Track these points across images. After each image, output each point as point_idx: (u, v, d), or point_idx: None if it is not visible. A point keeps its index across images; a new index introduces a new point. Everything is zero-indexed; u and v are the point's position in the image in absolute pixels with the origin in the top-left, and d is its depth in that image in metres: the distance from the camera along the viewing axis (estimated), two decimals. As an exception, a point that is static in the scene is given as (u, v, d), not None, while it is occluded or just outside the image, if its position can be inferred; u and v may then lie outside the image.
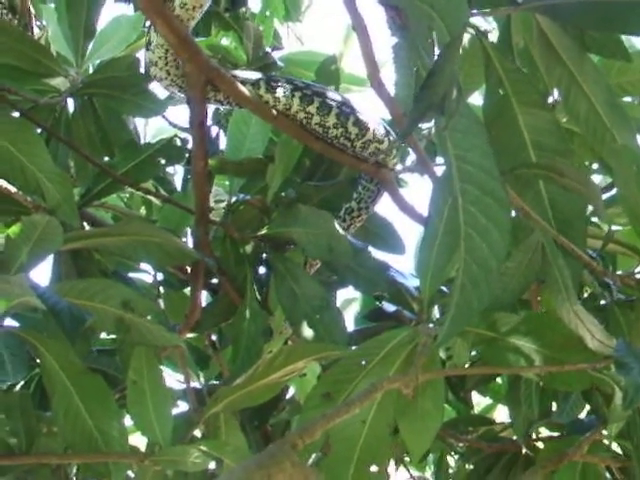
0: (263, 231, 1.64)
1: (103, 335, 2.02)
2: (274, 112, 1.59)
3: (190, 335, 1.93)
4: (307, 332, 1.56)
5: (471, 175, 1.00)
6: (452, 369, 1.26)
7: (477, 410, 2.56)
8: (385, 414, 1.18)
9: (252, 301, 1.61)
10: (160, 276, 2.01)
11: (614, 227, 1.82)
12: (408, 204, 1.60)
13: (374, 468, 1.21)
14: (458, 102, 0.92)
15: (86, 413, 1.41)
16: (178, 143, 1.78)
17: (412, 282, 1.77)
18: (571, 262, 1.17)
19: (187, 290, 1.92)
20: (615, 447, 1.55)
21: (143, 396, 1.46)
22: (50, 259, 1.64)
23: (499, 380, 2.31)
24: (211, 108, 2.27)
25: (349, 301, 2.36)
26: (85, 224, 1.77)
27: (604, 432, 1.47)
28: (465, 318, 0.98)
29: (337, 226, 1.54)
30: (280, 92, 1.59)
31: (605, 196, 1.90)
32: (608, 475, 1.63)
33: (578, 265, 1.20)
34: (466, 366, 2.06)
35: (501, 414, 2.56)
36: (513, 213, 1.32)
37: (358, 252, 1.56)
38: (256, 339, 1.60)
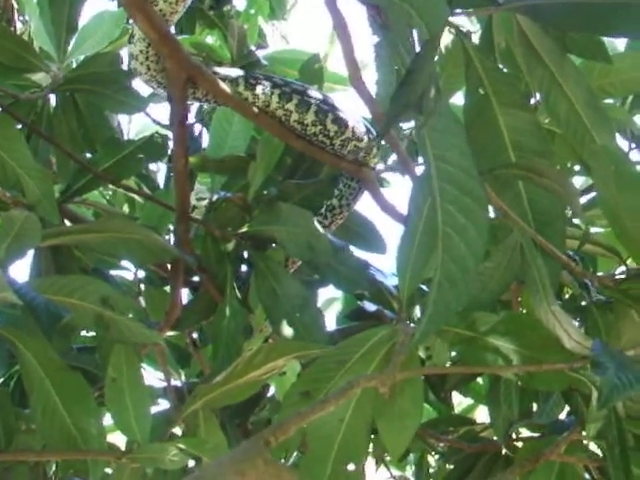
0: (244, 229, 1.64)
1: (83, 333, 2.02)
2: (255, 110, 1.60)
3: (170, 333, 1.92)
4: (287, 331, 1.55)
5: (450, 174, 1.00)
6: (430, 367, 1.26)
7: (458, 410, 2.57)
8: (363, 413, 1.18)
9: (232, 299, 1.61)
10: (141, 273, 2.01)
11: (595, 229, 1.84)
12: (389, 203, 1.60)
13: (351, 467, 1.21)
14: (436, 101, 0.92)
15: (64, 410, 1.40)
16: (159, 140, 1.78)
17: (392, 281, 1.77)
18: (550, 262, 1.18)
19: (168, 288, 1.91)
20: (594, 448, 1.56)
21: (122, 394, 1.46)
22: (30, 256, 1.63)
23: (480, 380, 2.31)
24: (194, 106, 2.28)
25: (331, 301, 2.36)
26: (66, 221, 1.76)
27: (583, 433, 1.47)
28: (443, 316, 0.98)
29: (317, 225, 1.54)
30: (259, 89, 1.59)
31: (585, 198, 1.91)
32: (587, 476, 1.64)
33: (557, 265, 1.20)
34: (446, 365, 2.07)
35: (482, 414, 2.56)
36: (493, 214, 1.33)
37: (338, 251, 1.56)
38: (236, 337, 1.59)
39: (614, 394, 0.92)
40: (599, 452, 1.50)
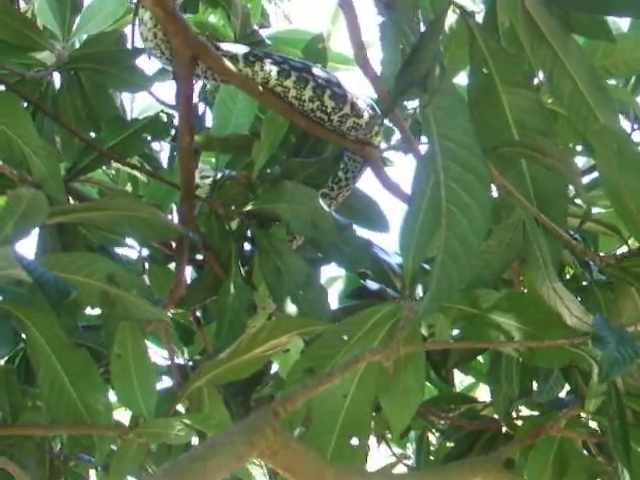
0: (248, 207, 1.65)
1: (88, 311, 2.03)
2: (260, 89, 1.60)
3: (175, 311, 1.94)
4: (290, 308, 1.57)
5: (453, 152, 1.01)
6: (433, 343, 1.27)
7: (459, 389, 2.58)
8: (366, 388, 1.20)
9: (236, 276, 1.62)
10: (145, 252, 2.02)
11: (596, 209, 1.84)
12: (392, 182, 1.61)
13: (355, 441, 1.22)
14: (441, 79, 0.93)
15: (71, 386, 1.42)
16: (164, 119, 1.78)
17: (395, 259, 1.78)
18: (551, 240, 1.19)
19: (172, 266, 1.93)
20: (594, 426, 1.58)
21: (127, 370, 1.47)
22: (35, 234, 1.64)
23: (481, 359, 2.33)
24: (198, 85, 2.28)
25: (333, 279, 2.36)
26: (71, 199, 1.77)
27: (582, 415, 1.49)
28: (446, 293, 0.99)
29: (322, 203, 1.55)
30: (258, 66, 1.60)
31: (587, 179, 1.92)
32: (585, 453, 1.66)
33: (558, 243, 1.21)
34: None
35: (483, 393, 2.58)
36: (496, 193, 1.35)
37: (342, 229, 1.57)
38: (240, 314, 1.61)
39: (615, 368, 0.94)
40: (598, 430, 1.52)
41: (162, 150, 2.48)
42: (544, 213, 1.19)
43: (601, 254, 1.54)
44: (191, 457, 0.67)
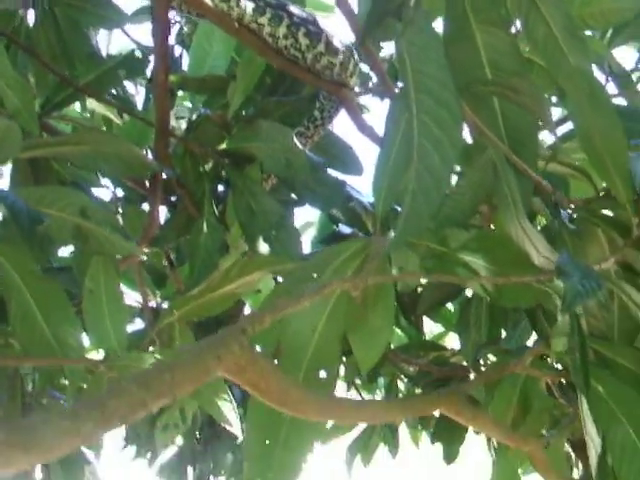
0: (222, 146, 1.65)
1: (61, 254, 2.03)
2: (236, 24, 1.59)
3: (148, 251, 1.94)
4: (263, 248, 1.58)
5: (427, 86, 1.02)
6: (402, 275, 1.28)
7: (428, 338, 2.62)
8: (335, 324, 1.20)
9: (210, 216, 1.62)
10: (120, 194, 2.02)
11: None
12: (367, 124, 1.62)
13: (323, 374, 1.24)
14: (416, 9, 0.93)
15: (43, 320, 1.42)
16: (139, 56, 1.77)
17: (369, 199, 1.79)
18: (522, 180, 1.20)
19: (146, 208, 1.92)
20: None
21: (99, 304, 1.47)
22: (8, 170, 1.64)
23: (451, 308, 2.36)
24: (174, 27, 2.26)
25: (307, 225, 2.38)
26: (45, 136, 1.75)
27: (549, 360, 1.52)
28: (415, 225, 1.00)
29: (296, 141, 1.56)
30: (234, 2, 1.59)
31: (562, 130, 1.93)
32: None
33: (528, 183, 1.22)
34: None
35: (452, 342, 2.62)
36: (468, 135, 1.36)
37: (315, 168, 1.57)
38: (212, 253, 1.62)
39: (578, 298, 0.95)
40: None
41: (138, 94, 2.47)
42: (515, 153, 1.20)
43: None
44: (159, 368, 0.69)
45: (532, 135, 1.23)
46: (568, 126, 1.89)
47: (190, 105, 1.81)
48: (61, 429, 0.58)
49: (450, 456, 2.18)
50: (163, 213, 1.93)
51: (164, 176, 1.68)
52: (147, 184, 1.76)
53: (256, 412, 1.09)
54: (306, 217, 2.43)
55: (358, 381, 2.57)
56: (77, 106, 2.17)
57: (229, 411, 1.49)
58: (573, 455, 1.85)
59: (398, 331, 2.34)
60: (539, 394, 1.51)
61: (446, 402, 1.20)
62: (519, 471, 1.63)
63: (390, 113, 1.13)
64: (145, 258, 1.80)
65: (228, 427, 1.50)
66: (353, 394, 2.59)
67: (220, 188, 1.77)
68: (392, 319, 1.37)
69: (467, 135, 1.36)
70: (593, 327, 1.33)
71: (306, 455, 1.17)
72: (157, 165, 1.60)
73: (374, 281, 1.06)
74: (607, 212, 1.31)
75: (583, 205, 1.28)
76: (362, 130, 1.62)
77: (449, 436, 2.18)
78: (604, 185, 1.33)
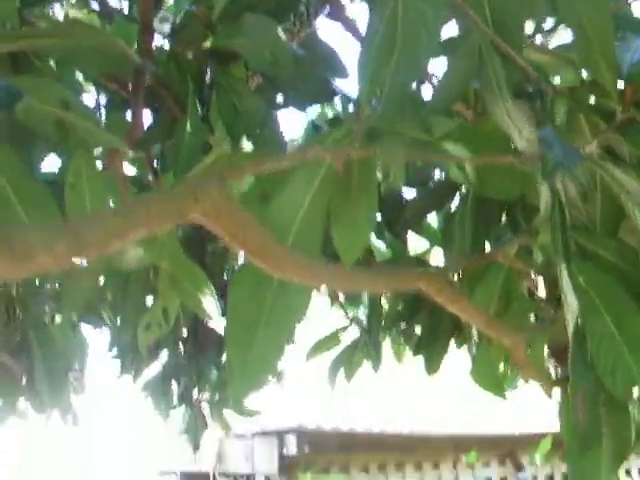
0: (207, 43, 1.63)
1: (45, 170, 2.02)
2: None
3: (132, 155, 1.93)
4: (247, 147, 1.57)
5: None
6: (385, 153, 1.27)
7: (413, 255, 2.62)
8: (320, 205, 1.19)
9: (193, 115, 1.61)
10: (102, 101, 1.99)
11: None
12: (352, 23, 1.60)
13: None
14: None
15: (26, 218, 1.41)
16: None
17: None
18: (507, 64, 1.19)
19: (129, 115, 1.90)
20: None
21: (82, 199, 1.46)
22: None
23: (434, 224, 2.37)
24: None
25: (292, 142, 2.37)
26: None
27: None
28: (399, 93, 1.00)
29: (281, 34, 1.53)
30: None
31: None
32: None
33: (513, 68, 1.21)
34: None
35: (436, 261, 2.62)
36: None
37: (300, 62, 1.55)
38: (196, 153, 1.60)
39: (558, 166, 0.96)
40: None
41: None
42: (500, 37, 1.19)
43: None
44: (136, 200, 0.68)
45: (518, 19, 1.22)
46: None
47: (174, 7, 1.78)
48: (34, 242, 0.58)
49: (432, 367, 2.20)
50: (147, 121, 1.92)
51: (147, 77, 1.66)
52: (130, 87, 1.74)
53: (239, 287, 1.09)
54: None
55: (342, 298, 2.59)
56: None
57: (211, 305, 1.50)
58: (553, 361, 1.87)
59: (383, 246, 2.35)
60: (519, 296, 1.52)
61: (428, 279, 1.20)
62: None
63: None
64: (129, 161, 1.79)
65: (210, 322, 1.51)
66: (336, 311, 2.61)
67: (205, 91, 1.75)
68: (375, 214, 1.37)
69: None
70: (575, 219, 1.34)
71: (289, 336, 1.17)
72: (140, 60, 1.57)
73: (358, 155, 1.05)
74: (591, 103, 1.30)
75: (568, 93, 1.27)
76: (347, 28, 1.60)
77: (431, 348, 2.19)
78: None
